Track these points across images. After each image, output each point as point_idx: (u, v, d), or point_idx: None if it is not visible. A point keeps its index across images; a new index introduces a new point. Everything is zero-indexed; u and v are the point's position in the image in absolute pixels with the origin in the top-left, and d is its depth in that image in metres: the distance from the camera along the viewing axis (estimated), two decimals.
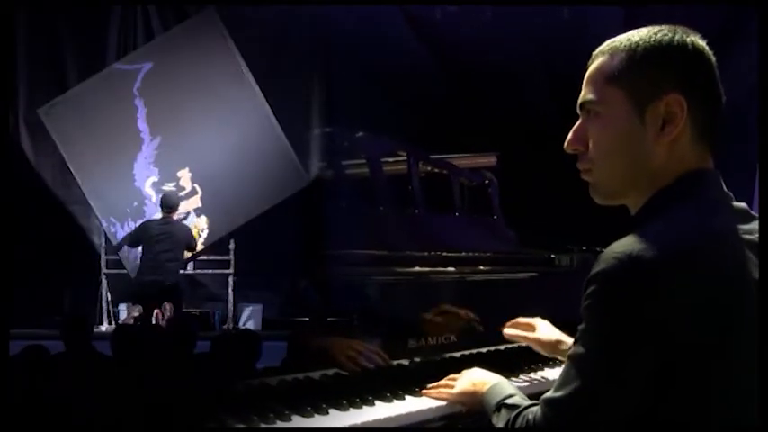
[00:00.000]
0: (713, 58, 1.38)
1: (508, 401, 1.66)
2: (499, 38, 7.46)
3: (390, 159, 2.78)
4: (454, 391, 2.00)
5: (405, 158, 2.70)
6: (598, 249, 2.91)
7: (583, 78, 1.47)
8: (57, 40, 8.08)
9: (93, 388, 3.53)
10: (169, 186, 7.52)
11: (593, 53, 1.45)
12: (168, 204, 7.04)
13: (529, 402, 1.59)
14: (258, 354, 3.72)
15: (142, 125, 7.60)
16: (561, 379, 1.39)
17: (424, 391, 2.10)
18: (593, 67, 1.44)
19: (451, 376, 2.08)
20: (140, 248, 7.01)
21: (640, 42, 1.38)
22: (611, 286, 1.27)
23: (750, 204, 1.48)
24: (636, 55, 1.37)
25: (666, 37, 1.37)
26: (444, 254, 2.47)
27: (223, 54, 7.71)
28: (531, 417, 1.50)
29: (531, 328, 2.22)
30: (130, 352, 4.28)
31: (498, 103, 7.17)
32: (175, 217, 7.10)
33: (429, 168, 2.99)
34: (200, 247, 7.72)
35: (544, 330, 2.20)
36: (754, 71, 2.55)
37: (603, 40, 1.47)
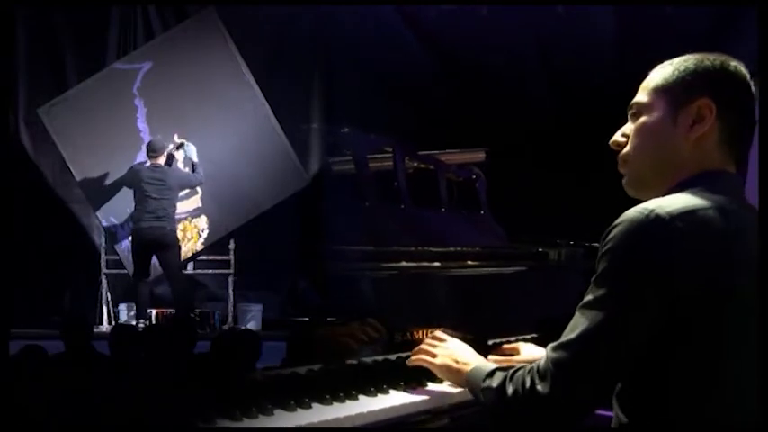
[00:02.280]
0: (749, 80, 1.58)
1: (502, 366, 1.70)
2: (491, 35, 7.47)
3: (378, 156, 2.78)
4: (436, 361, 2.02)
5: (391, 154, 2.70)
6: (586, 244, 2.92)
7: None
8: (57, 40, 8.08)
9: (92, 388, 3.54)
10: None
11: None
12: (153, 148, 7.01)
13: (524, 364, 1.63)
14: (258, 354, 3.72)
15: (142, 125, 7.59)
16: (569, 327, 1.49)
17: (408, 361, 2.10)
18: (647, 78, 1.65)
19: (430, 342, 2.09)
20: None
21: (687, 60, 1.61)
22: (632, 232, 1.43)
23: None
24: (680, 69, 1.60)
25: (710, 57, 1.59)
26: (431, 249, 2.47)
27: (223, 54, 7.69)
28: (534, 366, 1.55)
29: (516, 351, 2.32)
30: (129, 352, 4.29)
31: (489, 99, 7.18)
32: (161, 161, 7.04)
33: (416, 164, 2.99)
34: (200, 247, 7.73)
35: (528, 351, 2.29)
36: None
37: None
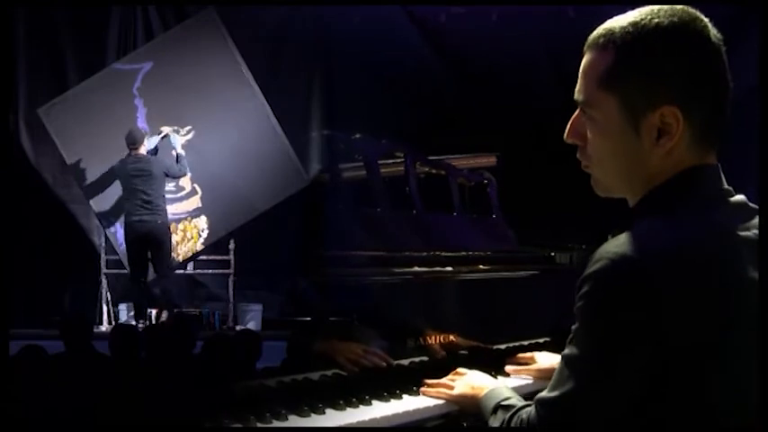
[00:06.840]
0: (719, 46, 1.32)
1: (504, 403, 1.67)
2: (501, 37, 7.46)
3: (389, 161, 2.78)
4: (453, 393, 2.03)
5: (402, 160, 2.70)
6: (598, 247, 2.92)
7: None
8: (57, 40, 8.05)
9: (92, 388, 3.53)
10: (168, 186, 7.47)
11: (590, 38, 1.39)
12: (131, 140, 6.98)
13: (524, 403, 1.61)
14: (258, 354, 3.72)
15: (142, 125, 7.57)
16: (555, 379, 1.39)
17: (422, 389, 2.11)
18: (586, 59, 1.39)
19: (450, 377, 2.09)
20: None
21: (638, 37, 1.30)
22: (604, 288, 1.26)
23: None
24: (631, 58, 1.31)
25: (666, 29, 1.29)
26: (443, 253, 2.47)
27: (223, 54, 7.68)
28: (525, 416, 1.52)
29: (532, 360, 2.34)
30: (129, 352, 4.28)
31: (499, 103, 7.17)
32: (143, 151, 7.03)
33: (427, 169, 2.99)
34: (200, 247, 7.72)
35: (544, 360, 2.31)
36: (752, 71, 2.53)
37: None
